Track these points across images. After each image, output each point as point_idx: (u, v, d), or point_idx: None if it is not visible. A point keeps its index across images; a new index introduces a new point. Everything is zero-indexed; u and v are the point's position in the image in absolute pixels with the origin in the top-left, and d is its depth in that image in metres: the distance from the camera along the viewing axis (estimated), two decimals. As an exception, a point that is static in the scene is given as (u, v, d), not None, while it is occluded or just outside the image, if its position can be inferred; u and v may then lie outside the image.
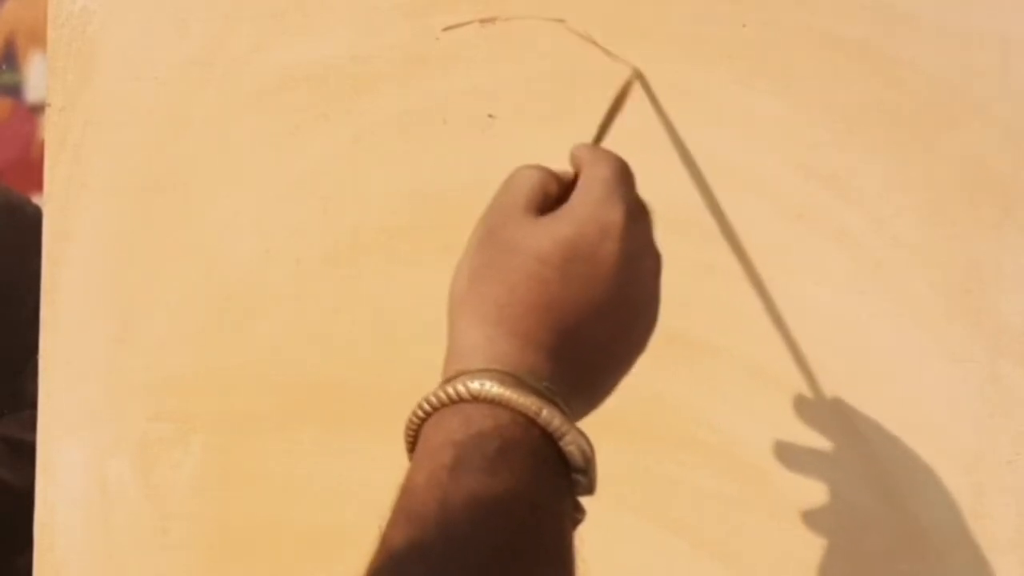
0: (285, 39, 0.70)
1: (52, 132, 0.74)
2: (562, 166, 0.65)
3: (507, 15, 0.67)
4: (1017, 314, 0.60)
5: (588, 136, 0.47)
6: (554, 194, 0.45)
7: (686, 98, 0.65)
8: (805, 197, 0.63)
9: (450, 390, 0.39)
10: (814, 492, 0.62)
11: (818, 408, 0.62)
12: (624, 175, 0.46)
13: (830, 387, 0.62)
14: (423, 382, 0.67)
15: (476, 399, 0.39)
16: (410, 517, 0.37)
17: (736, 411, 0.63)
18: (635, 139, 0.65)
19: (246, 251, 0.70)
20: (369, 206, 0.67)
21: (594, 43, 0.66)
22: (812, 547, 0.62)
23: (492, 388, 0.39)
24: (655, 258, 0.46)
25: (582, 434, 0.40)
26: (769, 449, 0.62)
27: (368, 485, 0.66)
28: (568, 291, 0.42)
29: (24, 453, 0.80)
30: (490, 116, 0.67)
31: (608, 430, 0.61)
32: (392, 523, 0.37)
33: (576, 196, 0.44)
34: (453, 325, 0.44)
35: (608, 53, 0.66)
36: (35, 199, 1.16)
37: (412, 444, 0.41)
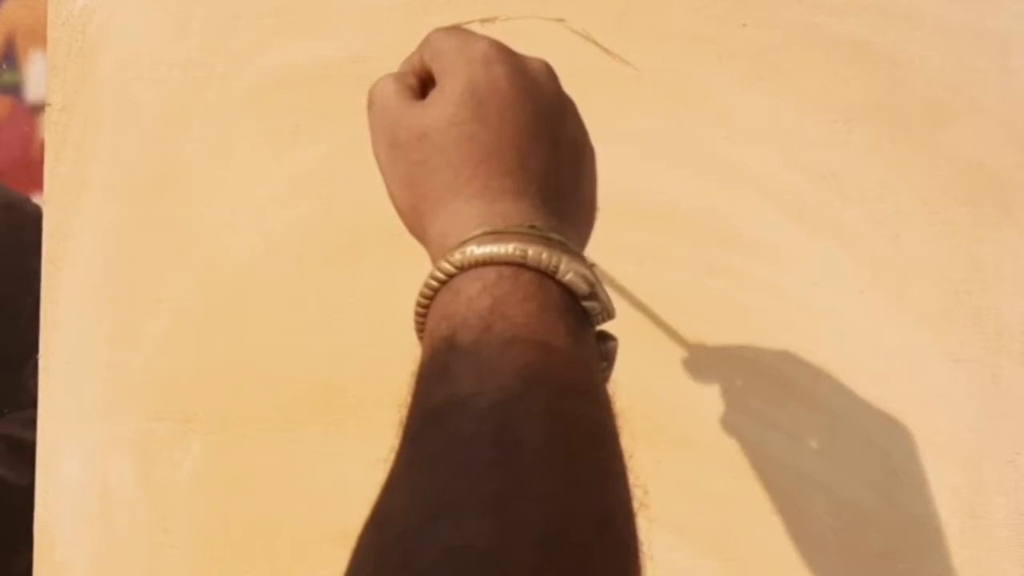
0: (285, 39, 0.70)
1: (52, 131, 0.74)
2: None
3: (507, 14, 0.67)
4: (1017, 314, 0.60)
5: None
6: (416, 85, 0.45)
7: (686, 98, 0.65)
8: (805, 197, 0.63)
9: (437, 273, 0.38)
10: (814, 492, 0.62)
11: (818, 408, 0.62)
12: (454, 27, 0.46)
13: (830, 387, 0.62)
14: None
15: (462, 268, 0.38)
16: (417, 396, 0.36)
17: (736, 411, 0.63)
18: (636, 140, 0.65)
19: (246, 251, 0.70)
20: (369, 206, 0.67)
21: (594, 42, 0.66)
22: (812, 547, 0.62)
23: (474, 250, 0.37)
24: (536, 60, 0.45)
25: (578, 259, 0.38)
26: (769, 448, 0.62)
27: (368, 485, 0.66)
28: (494, 132, 0.41)
29: (24, 452, 0.79)
30: (490, 116, 0.67)
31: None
32: (408, 407, 0.36)
33: (441, 62, 0.44)
34: (420, 235, 0.43)
35: (608, 52, 0.66)
36: (35, 198, 1.16)
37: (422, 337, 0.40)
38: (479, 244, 0.38)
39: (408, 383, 0.37)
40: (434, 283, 0.38)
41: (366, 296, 0.68)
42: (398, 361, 0.67)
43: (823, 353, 0.62)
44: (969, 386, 0.61)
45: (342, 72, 0.69)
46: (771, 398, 0.63)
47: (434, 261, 0.40)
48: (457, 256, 0.38)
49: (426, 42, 0.45)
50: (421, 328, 0.39)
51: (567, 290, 0.38)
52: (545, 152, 0.42)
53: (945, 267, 0.61)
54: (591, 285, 0.38)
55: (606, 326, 0.40)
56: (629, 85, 0.65)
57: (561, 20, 0.66)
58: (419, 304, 0.39)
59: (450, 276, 0.38)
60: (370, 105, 0.46)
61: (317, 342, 0.68)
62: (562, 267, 0.37)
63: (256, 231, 0.70)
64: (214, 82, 0.71)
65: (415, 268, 0.68)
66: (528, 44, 0.67)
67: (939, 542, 0.60)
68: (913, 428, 0.61)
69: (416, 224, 0.43)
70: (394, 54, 0.70)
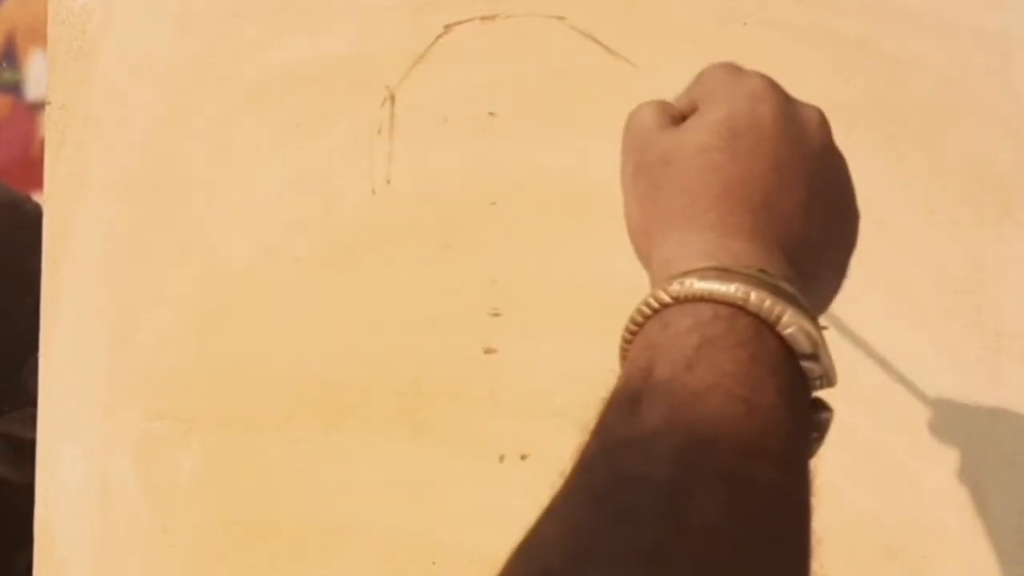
0: (285, 37, 0.70)
1: (52, 130, 0.74)
2: (562, 165, 0.65)
3: (508, 12, 0.67)
4: (1017, 314, 0.60)
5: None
6: (678, 117, 0.43)
7: (686, 97, 0.65)
8: (805, 197, 0.63)
9: (651, 300, 0.35)
10: (814, 492, 0.62)
11: (818, 408, 0.62)
12: (730, 63, 0.43)
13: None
14: (423, 381, 0.67)
15: (678, 300, 0.35)
16: (600, 423, 0.33)
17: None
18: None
19: (246, 251, 0.70)
20: (369, 206, 0.67)
21: (595, 41, 0.66)
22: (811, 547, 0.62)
23: (693, 284, 0.35)
24: (811, 108, 0.42)
25: (805, 315, 0.35)
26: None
27: (368, 485, 0.67)
28: (744, 166, 0.39)
29: (24, 451, 0.80)
30: (490, 114, 0.67)
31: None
32: (590, 432, 0.33)
33: (706, 93, 0.41)
34: (645, 258, 0.41)
35: (609, 51, 0.65)
36: (35, 197, 1.16)
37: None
38: (700, 278, 0.35)
39: (597, 410, 0.34)
40: (646, 310, 0.36)
41: (366, 296, 0.68)
42: (398, 361, 0.67)
43: (823, 353, 0.62)
44: (969, 386, 0.60)
45: (342, 72, 0.69)
46: (771, 398, 0.62)
47: (652, 288, 0.38)
48: (675, 287, 0.35)
49: (699, 77, 0.43)
50: (625, 354, 0.37)
51: (787, 345, 0.35)
52: (795, 201, 0.39)
53: (945, 267, 0.61)
54: (815, 345, 0.35)
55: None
56: (629, 84, 0.65)
57: (562, 18, 0.66)
58: (627, 330, 0.37)
59: (664, 306, 0.35)
60: (626, 128, 0.43)
61: (317, 342, 0.68)
62: (785, 318, 0.34)
63: (256, 231, 0.70)
64: (214, 82, 0.71)
65: (415, 268, 0.68)
66: (528, 42, 0.67)
67: (939, 542, 0.60)
68: (913, 428, 0.61)
69: (643, 247, 0.41)
70: (394, 54, 0.70)
